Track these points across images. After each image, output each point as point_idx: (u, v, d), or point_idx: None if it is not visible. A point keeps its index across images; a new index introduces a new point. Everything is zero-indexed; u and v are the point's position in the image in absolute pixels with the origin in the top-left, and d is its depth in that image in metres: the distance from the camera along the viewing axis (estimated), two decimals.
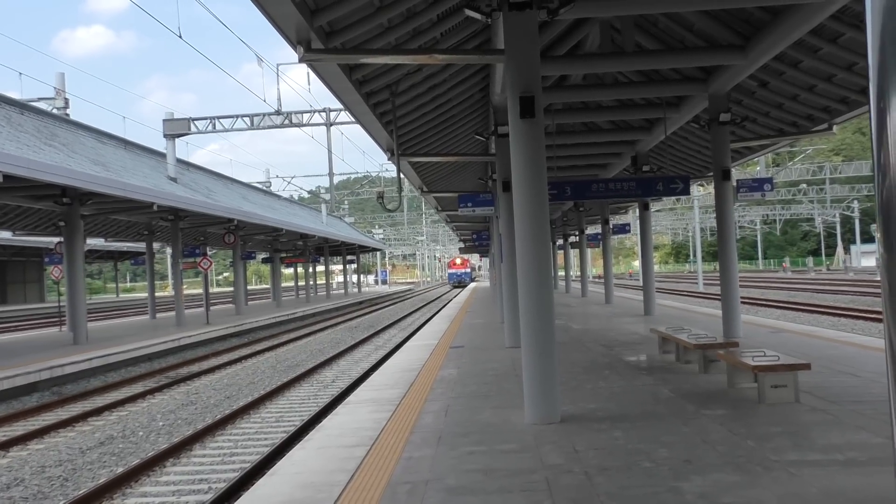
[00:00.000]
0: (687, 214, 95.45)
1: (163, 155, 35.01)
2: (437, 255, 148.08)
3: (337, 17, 9.64)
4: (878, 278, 1.38)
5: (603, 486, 5.48)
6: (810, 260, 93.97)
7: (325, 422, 8.56)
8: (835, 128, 16.11)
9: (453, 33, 12.16)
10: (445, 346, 15.98)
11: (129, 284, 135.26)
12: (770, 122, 17.02)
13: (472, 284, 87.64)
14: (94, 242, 46.17)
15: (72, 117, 29.75)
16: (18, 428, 13.14)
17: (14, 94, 26.35)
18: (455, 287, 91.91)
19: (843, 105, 14.85)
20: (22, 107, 25.36)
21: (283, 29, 9.16)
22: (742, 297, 17.57)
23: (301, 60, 9.55)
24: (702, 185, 54.90)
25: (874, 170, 1.29)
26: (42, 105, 29.08)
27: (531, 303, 7.80)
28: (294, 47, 9.45)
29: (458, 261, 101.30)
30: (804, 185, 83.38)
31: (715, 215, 15.27)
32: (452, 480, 5.84)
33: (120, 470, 9.84)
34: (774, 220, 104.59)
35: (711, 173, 15.36)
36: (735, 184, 16.05)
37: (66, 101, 30.15)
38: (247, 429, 12.37)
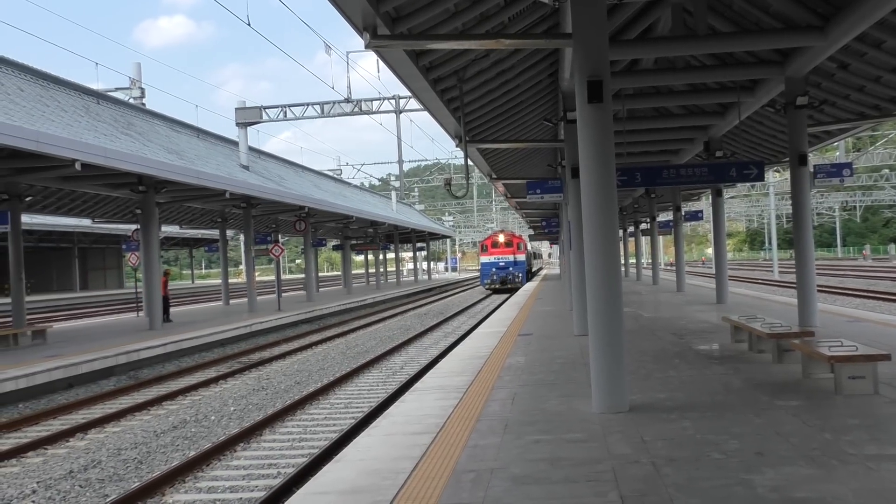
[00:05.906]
0: (762, 201, 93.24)
1: (235, 143, 35.54)
2: None
3: (403, 2, 9.62)
4: None
5: (671, 478, 5.36)
6: (892, 247, 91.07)
7: (392, 409, 8.58)
8: None
9: (521, 17, 12.02)
10: (514, 333, 15.91)
11: (204, 271, 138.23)
12: (850, 106, 16.46)
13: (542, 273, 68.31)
14: (170, 230, 47.27)
15: (147, 107, 30.43)
16: (96, 411, 13.51)
17: (91, 85, 27.01)
18: (492, 290, 51.19)
19: None
20: (99, 96, 26.03)
21: (350, 16, 9.17)
22: (819, 286, 17.11)
23: (367, 47, 9.56)
24: (777, 171, 53.58)
25: None
26: (119, 95, 29.82)
27: (599, 290, 7.68)
28: (360, 34, 9.46)
29: (502, 238, 53.03)
30: (886, 171, 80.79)
31: (791, 201, 14.85)
32: (517, 469, 5.79)
33: (192, 453, 10.03)
34: (854, 207, 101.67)
35: (787, 159, 14.91)
36: (812, 169, 15.60)
37: (142, 90, 30.86)
38: (316, 414, 12.50)
